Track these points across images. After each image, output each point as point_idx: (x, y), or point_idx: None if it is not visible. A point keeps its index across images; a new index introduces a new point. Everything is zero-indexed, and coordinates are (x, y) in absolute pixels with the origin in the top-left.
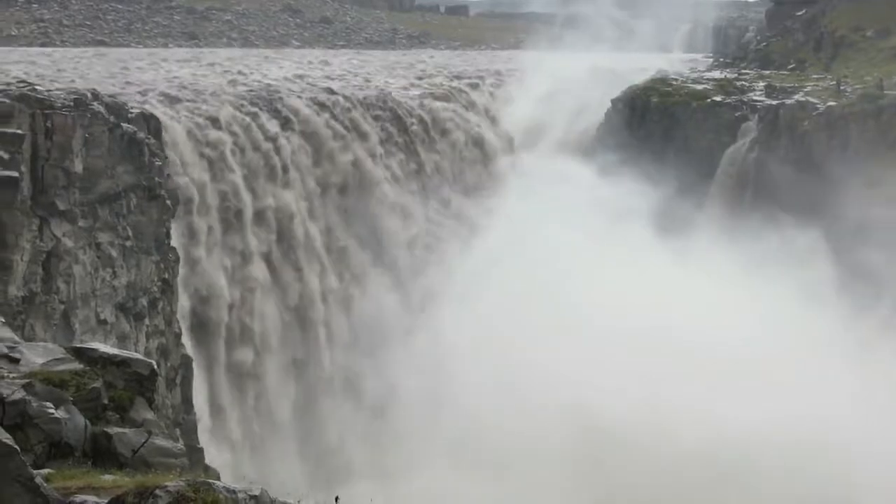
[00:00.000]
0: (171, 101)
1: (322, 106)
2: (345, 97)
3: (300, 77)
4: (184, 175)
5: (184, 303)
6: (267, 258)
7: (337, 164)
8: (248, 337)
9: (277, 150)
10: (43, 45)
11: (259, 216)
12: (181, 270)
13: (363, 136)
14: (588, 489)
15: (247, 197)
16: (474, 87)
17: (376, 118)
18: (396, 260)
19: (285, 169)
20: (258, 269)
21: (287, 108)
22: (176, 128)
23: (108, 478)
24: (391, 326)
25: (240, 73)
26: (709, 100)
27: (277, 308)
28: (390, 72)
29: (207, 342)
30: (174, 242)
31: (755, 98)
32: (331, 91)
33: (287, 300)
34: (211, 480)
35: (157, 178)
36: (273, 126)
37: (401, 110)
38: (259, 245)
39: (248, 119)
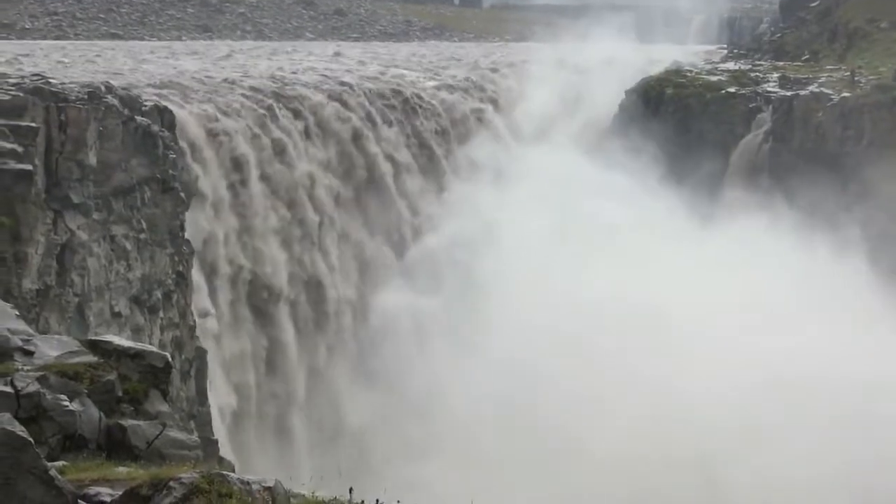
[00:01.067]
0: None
1: None
2: None
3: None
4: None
5: None
6: None
7: None
8: None
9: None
10: (57, 38)
11: None
12: None
13: None
14: None
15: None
16: (487, 79)
17: None
18: None
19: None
20: None
21: None
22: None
23: (122, 470)
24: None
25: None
26: (723, 91)
27: None
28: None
29: None
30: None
31: (769, 89)
32: None
33: None
34: (225, 472)
35: (171, 171)
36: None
37: None
38: None
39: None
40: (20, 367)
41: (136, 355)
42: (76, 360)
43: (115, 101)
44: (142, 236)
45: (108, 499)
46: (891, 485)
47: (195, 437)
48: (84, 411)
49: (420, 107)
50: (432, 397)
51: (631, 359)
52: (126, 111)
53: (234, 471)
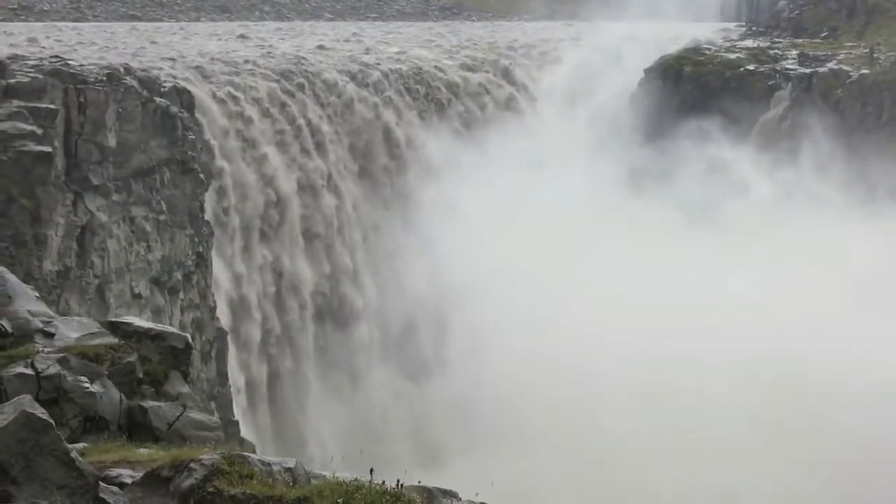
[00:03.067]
0: None
1: None
2: None
3: None
4: None
5: None
6: None
7: None
8: None
9: None
10: (75, 20)
11: None
12: None
13: None
14: None
15: None
16: (507, 57)
17: None
18: None
19: None
20: None
21: None
22: None
23: (143, 451)
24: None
25: None
26: (742, 69)
27: None
28: None
29: None
30: None
31: (788, 66)
32: None
33: None
34: (246, 453)
35: (190, 152)
36: None
37: None
38: None
39: None
40: (41, 348)
41: (157, 336)
42: (97, 341)
43: (134, 83)
44: (161, 217)
45: (129, 480)
46: None
47: (216, 418)
48: (105, 393)
49: (439, 87)
50: None
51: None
52: (145, 92)
53: (255, 452)
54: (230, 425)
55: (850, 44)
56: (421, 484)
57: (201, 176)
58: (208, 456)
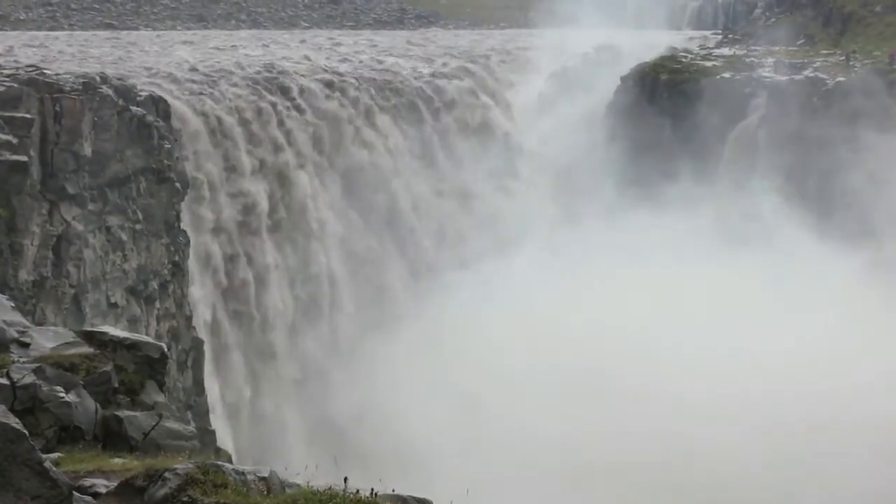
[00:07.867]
0: None
1: None
2: None
3: None
4: None
5: None
6: None
7: None
8: None
9: None
10: (51, 28)
11: None
12: None
13: None
14: None
15: None
16: (483, 66)
17: None
18: None
19: None
20: None
21: None
22: None
23: (117, 461)
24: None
25: None
26: (718, 76)
27: None
28: None
29: None
30: None
31: (764, 74)
32: None
33: None
34: (220, 462)
35: (166, 161)
36: None
37: None
38: None
39: None
40: (16, 358)
41: (132, 346)
42: (72, 351)
43: (110, 92)
44: (137, 227)
45: (103, 490)
46: None
47: (192, 427)
48: (80, 402)
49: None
50: None
51: None
52: (121, 101)
53: (230, 461)
54: (206, 434)
55: (826, 51)
56: (395, 492)
57: (177, 185)
58: (182, 465)
